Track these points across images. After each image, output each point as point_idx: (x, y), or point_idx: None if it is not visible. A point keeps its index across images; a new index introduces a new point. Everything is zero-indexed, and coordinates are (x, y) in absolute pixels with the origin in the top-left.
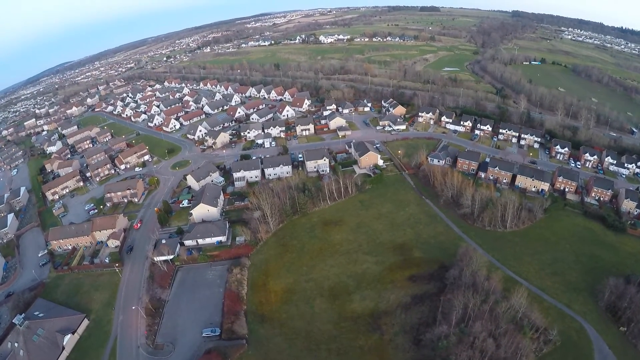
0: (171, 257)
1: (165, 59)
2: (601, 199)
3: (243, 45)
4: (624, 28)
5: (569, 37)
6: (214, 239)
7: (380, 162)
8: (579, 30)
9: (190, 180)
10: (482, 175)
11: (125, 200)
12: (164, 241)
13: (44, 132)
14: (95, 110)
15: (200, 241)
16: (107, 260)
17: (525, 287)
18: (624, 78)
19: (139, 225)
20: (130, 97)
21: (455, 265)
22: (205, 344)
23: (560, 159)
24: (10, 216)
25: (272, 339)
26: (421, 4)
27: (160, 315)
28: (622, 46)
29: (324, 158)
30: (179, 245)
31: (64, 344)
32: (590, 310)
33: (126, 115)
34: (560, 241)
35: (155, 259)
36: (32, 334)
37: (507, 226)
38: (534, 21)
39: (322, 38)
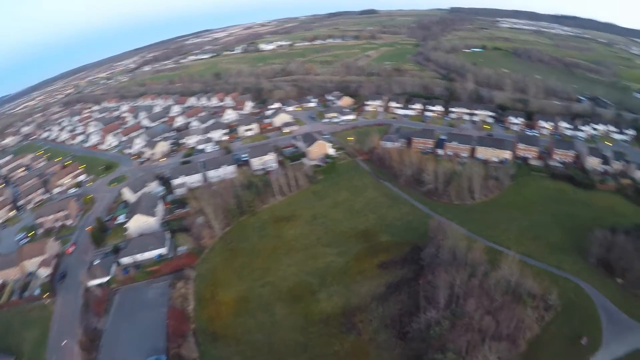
0: (106, 279)
1: (103, 81)
2: (564, 160)
3: (183, 60)
4: (557, 15)
5: (506, 25)
6: (154, 253)
7: (331, 151)
8: (514, 19)
9: (127, 194)
10: (440, 152)
11: (59, 224)
12: (96, 262)
13: None
14: (31, 138)
15: (138, 257)
16: (37, 292)
17: (513, 254)
18: (563, 56)
19: (72, 249)
20: (68, 121)
21: (430, 243)
22: None
23: (516, 129)
24: None
25: (228, 359)
26: (360, 8)
27: (97, 348)
28: (557, 30)
29: (270, 153)
30: (114, 264)
31: None
32: (582, 268)
33: (62, 139)
34: (534, 205)
35: (87, 283)
36: None
37: (476, 197)
38: (471, 15)
39: (262, 46)
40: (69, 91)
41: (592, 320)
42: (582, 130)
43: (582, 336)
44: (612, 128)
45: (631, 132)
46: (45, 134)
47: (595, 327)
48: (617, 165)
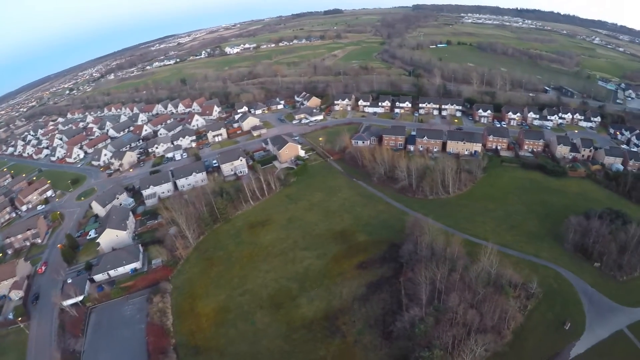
0: (80, 298)
1: (67, 92)
2: (534, 150)
3: (148, 67)
4: (518, 8)
5: (470, 20)
6: (128, 267)
7: (302, 153)
8: (478, 14)
9: (96, 207)
10: (412, 148)
11: (28, 243)
12: (69, 281)
13: None
14: None
15: (112, 273)
16: (11, 316)
17: (491, 246)
18: (527, 48)
19: (43, 268)
20: (32, 135)
21: (407, 240)
22: None
23: (485, 122)
24: None
25: None
26: (324, 8)
27: None
28: (520, 23)
29: (240, 158)
30: (88, 282)
31: None
32: (559, 254)
33: (27, 153)
34: (508, 195)
35: (62, 304)
36: None
37: (450, 191)
38: (434, 11)
39: (227, 49)
40: (32, 104)
41: (574, 305)
42: (549, 120)
43: (566, 321)
44: (578, 116)
45: (597, 119)
46: (9, 150)
47: (578, 311)
48: (585, 152)
